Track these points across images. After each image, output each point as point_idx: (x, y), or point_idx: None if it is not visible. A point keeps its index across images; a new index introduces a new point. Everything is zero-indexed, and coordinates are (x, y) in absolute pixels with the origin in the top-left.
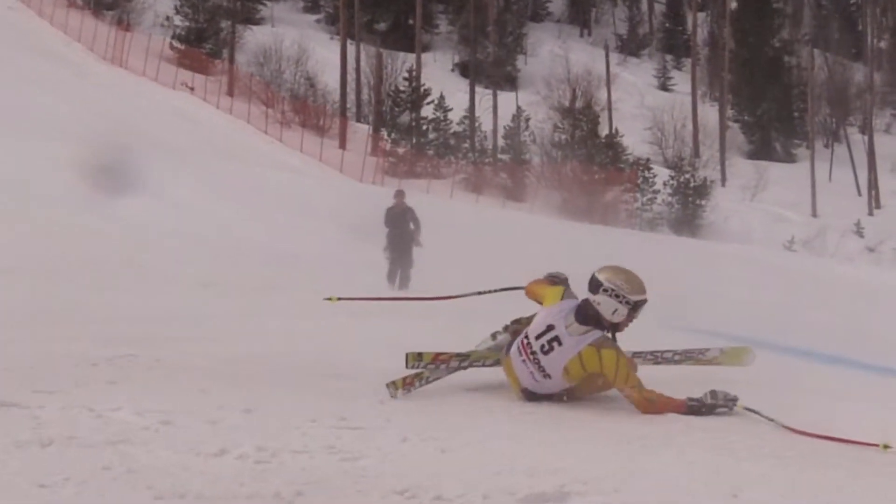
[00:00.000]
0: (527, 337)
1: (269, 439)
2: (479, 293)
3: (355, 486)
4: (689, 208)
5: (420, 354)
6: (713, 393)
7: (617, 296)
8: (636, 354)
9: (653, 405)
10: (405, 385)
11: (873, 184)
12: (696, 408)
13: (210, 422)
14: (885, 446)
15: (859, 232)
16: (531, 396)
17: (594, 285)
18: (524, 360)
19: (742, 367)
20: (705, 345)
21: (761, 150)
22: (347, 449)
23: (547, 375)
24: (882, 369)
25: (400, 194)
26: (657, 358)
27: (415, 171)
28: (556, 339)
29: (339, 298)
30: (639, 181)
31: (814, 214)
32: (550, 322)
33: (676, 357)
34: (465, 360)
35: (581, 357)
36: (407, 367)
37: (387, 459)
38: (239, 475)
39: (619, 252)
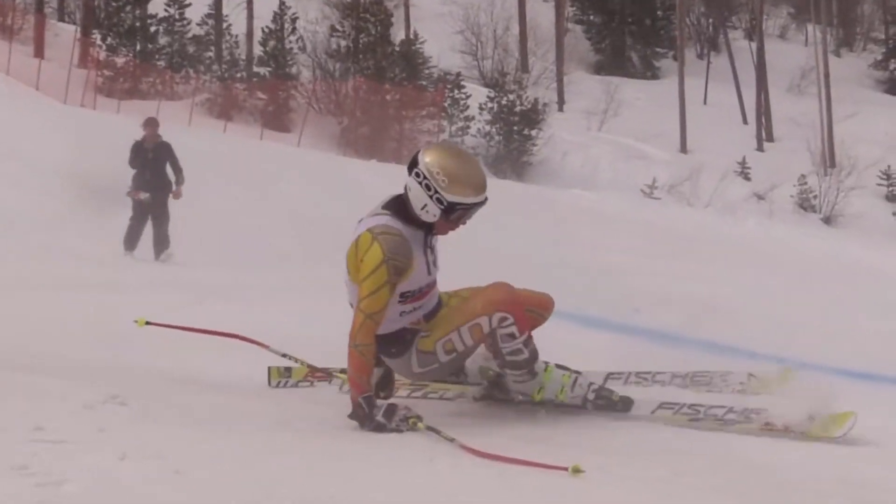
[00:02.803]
0: None
1: None
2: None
3: None
4: (513, 141)
5: (288, 370)
6: (389, 410)
7: (428, 187)
8: (613, 375)
9: (350, 359)
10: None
11: (763, 108)
12: (359, 416)
13: None
14: (575, 470)
15: (745, 173)
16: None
17: (411, 164)
18: None
19: (780, 391)
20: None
21: (612, 63)
22: (45, 470)
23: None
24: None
25: (152, 124)
26: (646, 381)
27: (139, 90)
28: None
29: (149, 323)
30: (446, 104)
31: (683, 150)
32: None
33: (678, 380)
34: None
35: (356, 244)
36: (270, 384)
37: (98, 484)
38: None
39: None
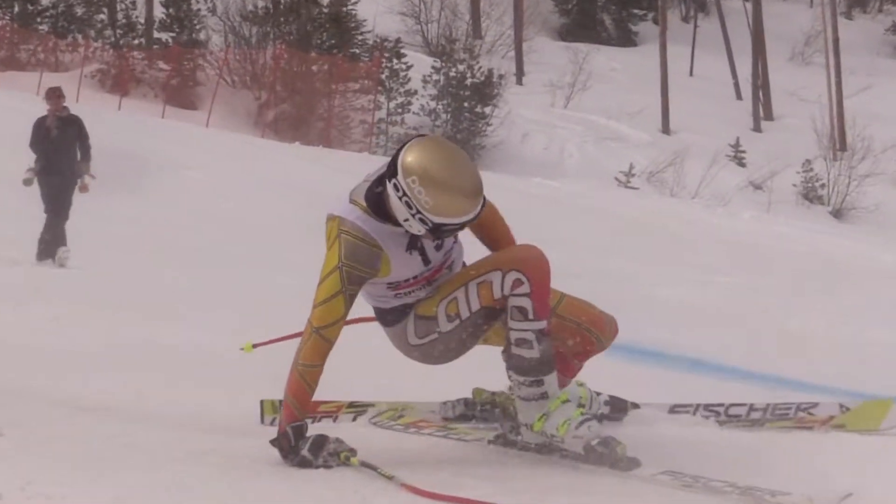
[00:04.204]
0: None
1: None
2: None
3: None
4: (463, 120)
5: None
6: (317, 443)
7: (409, 205)
8: (678, 407)
9: (289, 379)
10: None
11: (761, 81)
12: (283, 447)
13: None
14: None
15: (738, 158)
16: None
17: (391, 169)
18: None
19: (877, 429)
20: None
21: (581, 27)
22: None
23: None
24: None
25: (54, 95)
26: (719, 414)
27: (17, 59)
28: None
29: (256, 345)
30: (383, 76)
31: (665, 130)
32: None
33: (755, 415)
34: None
35: (327, 228)
36: (263, 421)
37: None
38: None
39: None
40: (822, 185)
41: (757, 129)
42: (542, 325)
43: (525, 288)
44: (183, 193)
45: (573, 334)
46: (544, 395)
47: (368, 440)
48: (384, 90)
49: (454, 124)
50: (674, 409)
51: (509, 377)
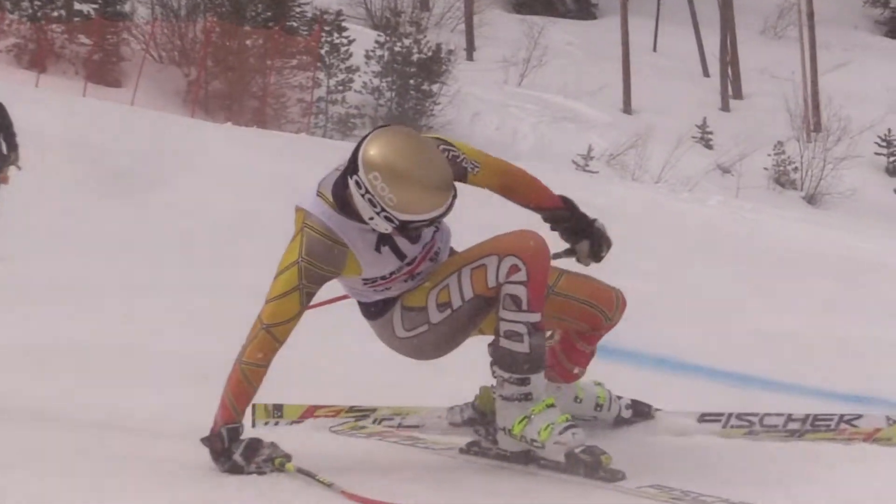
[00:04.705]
0: None
1: None
2: None
3: None
4: (410, 98)
5: (279, 408)
6: (250, 448)
7: (373, 203)
8: (708, 417)
9: (230, 377)
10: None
11: (730, 57)
12: (214, 448)
13: None
14: None
15: (705, 140)
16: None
17: (351, 164)
18: None
19: None
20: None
21: None
22: None
23: None
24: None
25: None
26: (752, 425)
27: None
28: None
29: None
30: (322, 51)
31: (627, 110)
32: None
33: (792, 425)
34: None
35: (294, 217)
36: (254, 425)
37: None
38: None
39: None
40: (795, 169)
41: (725, 108)
42: (536, 317)
43: (522, 275)
44: (107, 176)
45: (576, 312)
46: (528, 397)
47: (312, 446)
48: (324, 66)
49: (399, 103)
50: (703, 418)
51: (493, 373)
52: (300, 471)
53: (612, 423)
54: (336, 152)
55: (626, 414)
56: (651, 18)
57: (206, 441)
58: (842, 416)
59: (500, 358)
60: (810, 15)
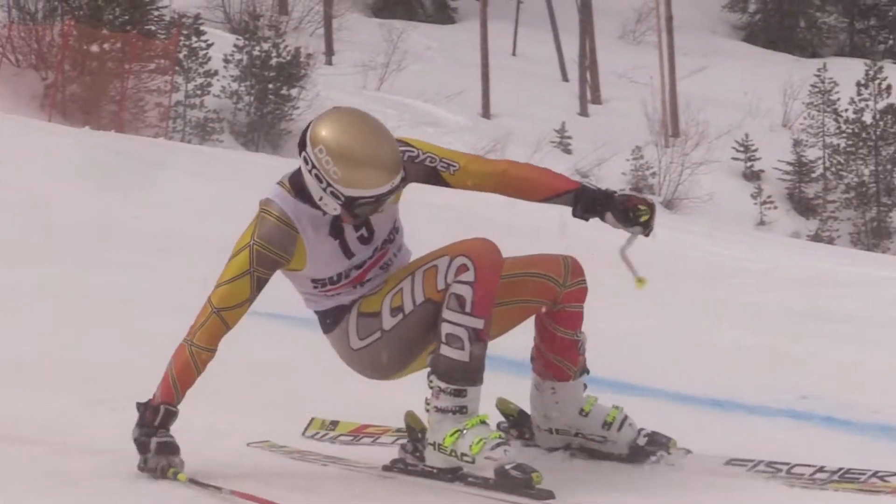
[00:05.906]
0: None
1: None
2: None
3: None
4: (268, 102)
5: (334, 423)
6: (161, 448)
7: (319, 178)
8: (735, 462)
9: (175, 355)
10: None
11: (589, 62)
12: (141, 419)
13: None
14: None
15: (564, 144)
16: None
17: (301, 142)
18: None
19: None
20: None
21: (396, 3)
22: None
23: None
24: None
25: None
26: (778, 472)
27: None
28: None
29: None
30: (181, 55)
31: (485, 114)
32: None
33: (820, 476)
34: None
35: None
36: (305, 434)
37: None
38: None
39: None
40: (653, 174)
41: (584, 113)
42: (479, 323)
43: (469, 276)
44: None
45: (527, 288)
46: (463, 410)
47: (217, 458)
48: (182, 70)
49: (258, 108)
50: (731, 462)
51: (430, 383)
52: (191, 481)
53: (627, 450)
54: (194, 156)
55: (642, 441)
56: (510, 23)
57: (142, 406)
58: (876, 471)
59: (439, 366)
60: (669, 20)
